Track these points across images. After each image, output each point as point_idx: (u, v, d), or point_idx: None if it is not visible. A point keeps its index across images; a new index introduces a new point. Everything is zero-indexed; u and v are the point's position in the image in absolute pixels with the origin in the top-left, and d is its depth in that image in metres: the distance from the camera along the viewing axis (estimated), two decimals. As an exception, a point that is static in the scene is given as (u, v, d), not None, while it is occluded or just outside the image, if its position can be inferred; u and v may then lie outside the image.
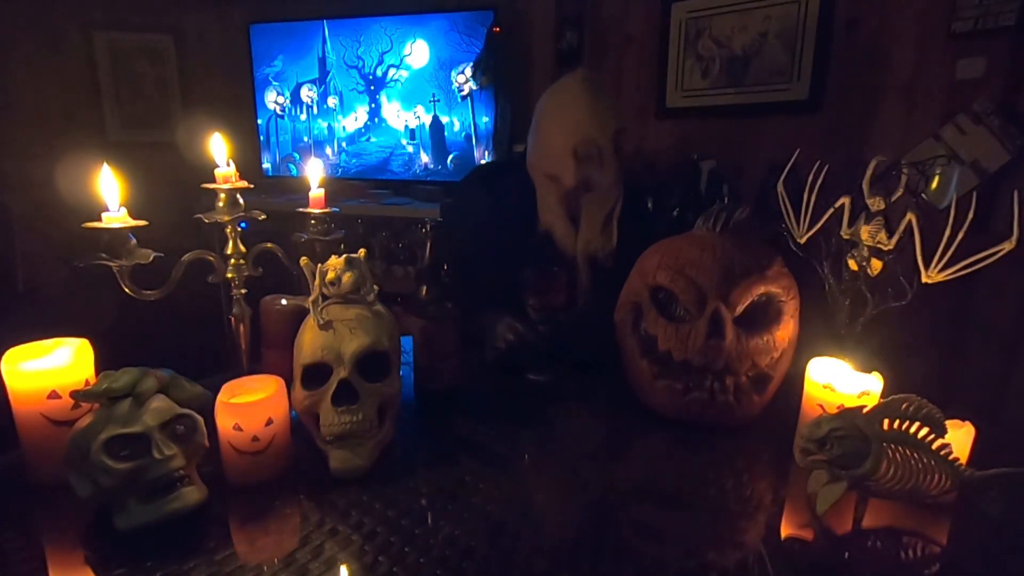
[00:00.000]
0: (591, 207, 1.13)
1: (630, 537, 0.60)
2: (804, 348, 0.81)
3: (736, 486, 0.69)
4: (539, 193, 1.17)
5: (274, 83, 2.67)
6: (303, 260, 0.71)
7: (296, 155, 2.72)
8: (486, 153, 2.38)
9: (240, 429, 0.63)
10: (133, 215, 0.67)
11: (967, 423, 0.65)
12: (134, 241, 0.67)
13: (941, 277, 0.67)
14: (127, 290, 0.68)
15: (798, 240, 0.80)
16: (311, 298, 0.70)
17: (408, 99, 2.48)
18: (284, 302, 0.84)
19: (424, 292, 0.83)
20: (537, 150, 1.16)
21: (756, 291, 0.77)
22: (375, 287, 0.73)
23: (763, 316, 0.79)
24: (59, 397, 0.62)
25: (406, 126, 2.51)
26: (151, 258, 0.68)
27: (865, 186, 0.73)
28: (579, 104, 1.10)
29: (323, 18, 2.53)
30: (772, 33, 1.94)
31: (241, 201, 0.76)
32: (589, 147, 1.08)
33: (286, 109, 2.69)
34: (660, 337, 0.80)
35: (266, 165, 2.78)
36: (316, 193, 0.80)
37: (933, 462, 0.60)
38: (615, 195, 1.17)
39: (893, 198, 0.72)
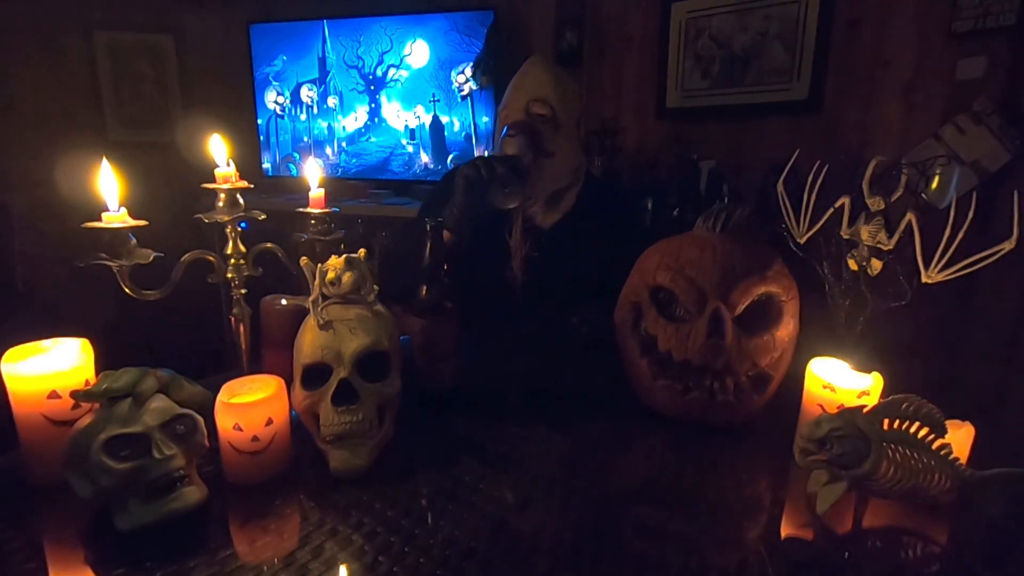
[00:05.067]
0: (543, 173, 1.16)
1: (630, 537, 0.60)
2: (804, 348, 0.81)
3: (736, 486, 0.69)
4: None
5: (274, 83, 2.68)
6: (303, 260, 0.71)
7: (296, 155, 2.72)
8: (486, 153, 2.38)
9: (240, 429, 0.63)
10: (133, 215, 0.67)
11: (967, 423, 0.65)
12: (134, 241, 0.67)
13: (941, 277, 0.67)
14: (127, 290, 0.68)
15: (798, 240, 0.80)
16: (311, 298, 0.70)
17: (408, 99, 2.49)
18: (284, 302, 0.84)
19: (424, 292, 0.83)
20: (499, 116, 1.22)
21: (756, 291, 0.78)
22: (375, 287, 0.73)
23: (763, 316, 0.79)
24: (59, 397, 0.62)
25: (406, 126, 2.51)
26: (151, 258, 0.68)
27: (865, 186, 0.73)
28: (536, 71, 1.19)
29: (323, 18, 2.54)
30: (772, 33, 1.94)
31: (241, 201, 0.76)
32: (541, 105, 1.15)
33: (286, 109, 2.69)
34: (660, 337, 0.80)
35: (266, 165, 2.78)
36: (316, 193, 0.80)
37: (933, 462, 0.60)
38: (568, 178, 1.22)
39: (893, 198, 0.72)
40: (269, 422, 0.64)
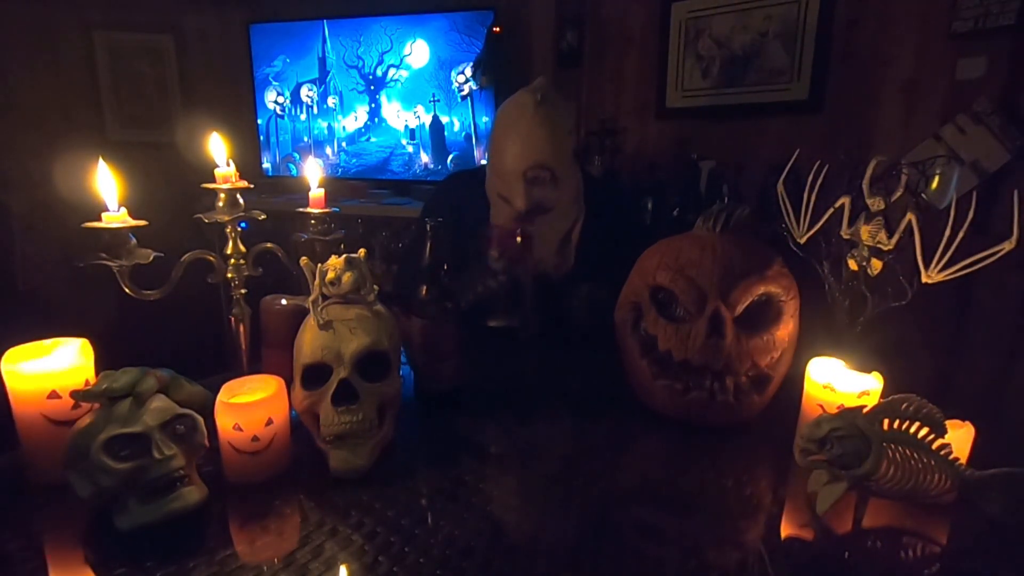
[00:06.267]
0: (546, 227, 1.09)
1: (630, 537, 0.60)
2: (804, 348, 0.81)
3: (736, 486, 0.69)
4: (493, 212, 1.15)
5: (274, 83, 2.67)
6: (303, 260, 0.71)
7: (296, 155, 2.72)
8: (486, 153, 2.38)
9: (240, 429, 0.63)
10: (133, 215, 0.67)
11: (967, 423, 0.65)
12: (134, 241, 0.67)
13: (941, 277, 0.67)
14: (127, 290, 0.68)
15: (798, 240, 0.80)
16: (311, 298, 0.70)
17: (408, 99, 2.48)
18: (284, 302, 0.84)
19: (424, 292, 0.83)
20: (491, 169, 1.13)
21: (756, 291, 0.77)
22: (375, 287, 0.73)
23: (763, 316, 0.79)
24: (59, 397, 0.62)
25: (406, 126, 2.51)
26: (151, 258, 0.68)
27: (865, 186, 0.73)
28: (531, 125, 1.05)
29: (323, 18, 2.53)
30: (772, 33, 1.94)
31: (241, 201, 0.76)
32: (540, 171, 1.05)
33: (286, 109, 2.69)
34: (660, 337, 0.80)
35: (266, 165, 2.78)
36: (316, 193, 0.80)
37: (933, 462, 0.60)
38: (574, 214, 1.15)
39: (893, 198, 0.72)
40: (269, 422, 0.64)
